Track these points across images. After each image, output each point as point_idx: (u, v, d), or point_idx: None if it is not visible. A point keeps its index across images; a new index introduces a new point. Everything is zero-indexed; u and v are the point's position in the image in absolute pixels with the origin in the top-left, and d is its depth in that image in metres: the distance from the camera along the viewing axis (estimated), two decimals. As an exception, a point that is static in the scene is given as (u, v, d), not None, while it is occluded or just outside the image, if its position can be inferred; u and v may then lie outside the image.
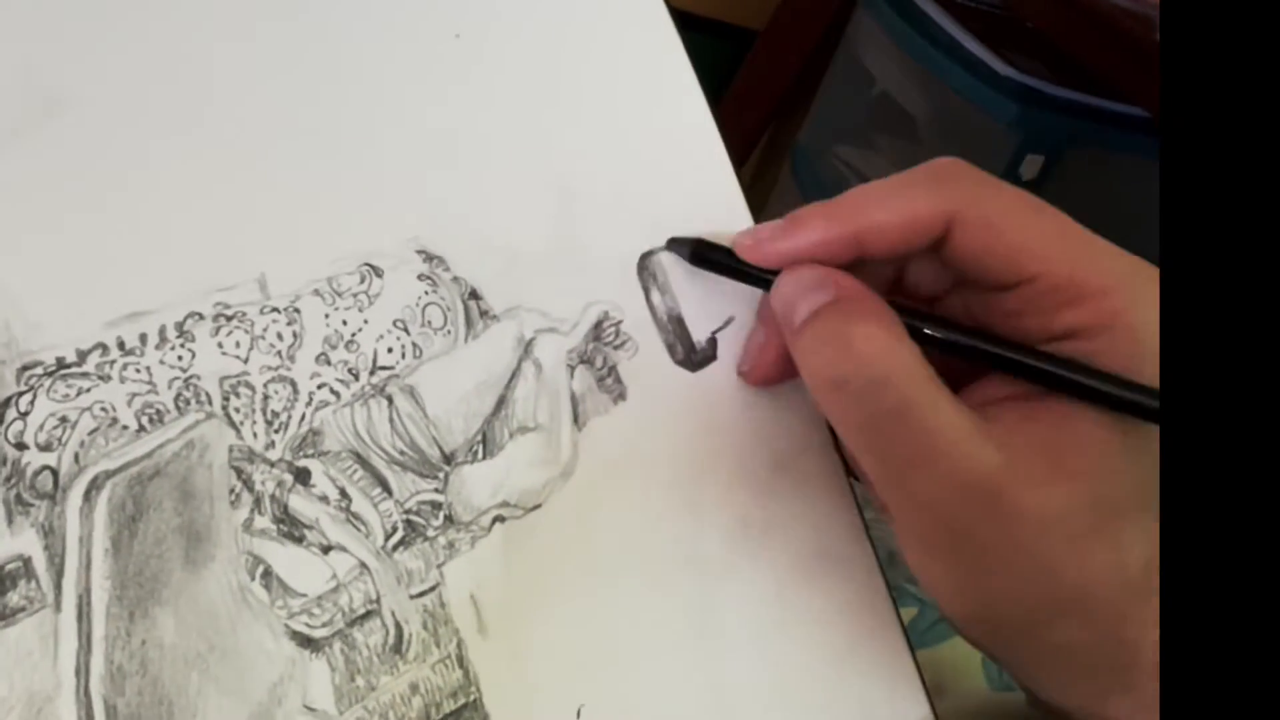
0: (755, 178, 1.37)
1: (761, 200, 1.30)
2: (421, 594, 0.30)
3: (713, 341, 0.35)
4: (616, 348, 0.34)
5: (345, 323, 0.31)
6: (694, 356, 0.35)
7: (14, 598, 0.26)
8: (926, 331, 0.30)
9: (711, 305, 0.35)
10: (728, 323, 0.35)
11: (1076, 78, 0.96)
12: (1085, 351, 0.29)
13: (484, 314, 0.32)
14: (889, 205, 0.31)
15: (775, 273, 0.32)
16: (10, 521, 0.26)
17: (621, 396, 0.33)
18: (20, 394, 0.27)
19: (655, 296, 0.35)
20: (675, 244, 0.35)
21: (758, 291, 0.33)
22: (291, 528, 0.29)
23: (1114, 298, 0.29)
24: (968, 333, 0.31)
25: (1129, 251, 0.31)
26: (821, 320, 0.30)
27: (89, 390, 0.28)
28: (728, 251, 0.33)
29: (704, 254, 0.34)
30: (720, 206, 0.37)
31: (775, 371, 0.34)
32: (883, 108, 1.11)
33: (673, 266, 0.35)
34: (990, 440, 0.28)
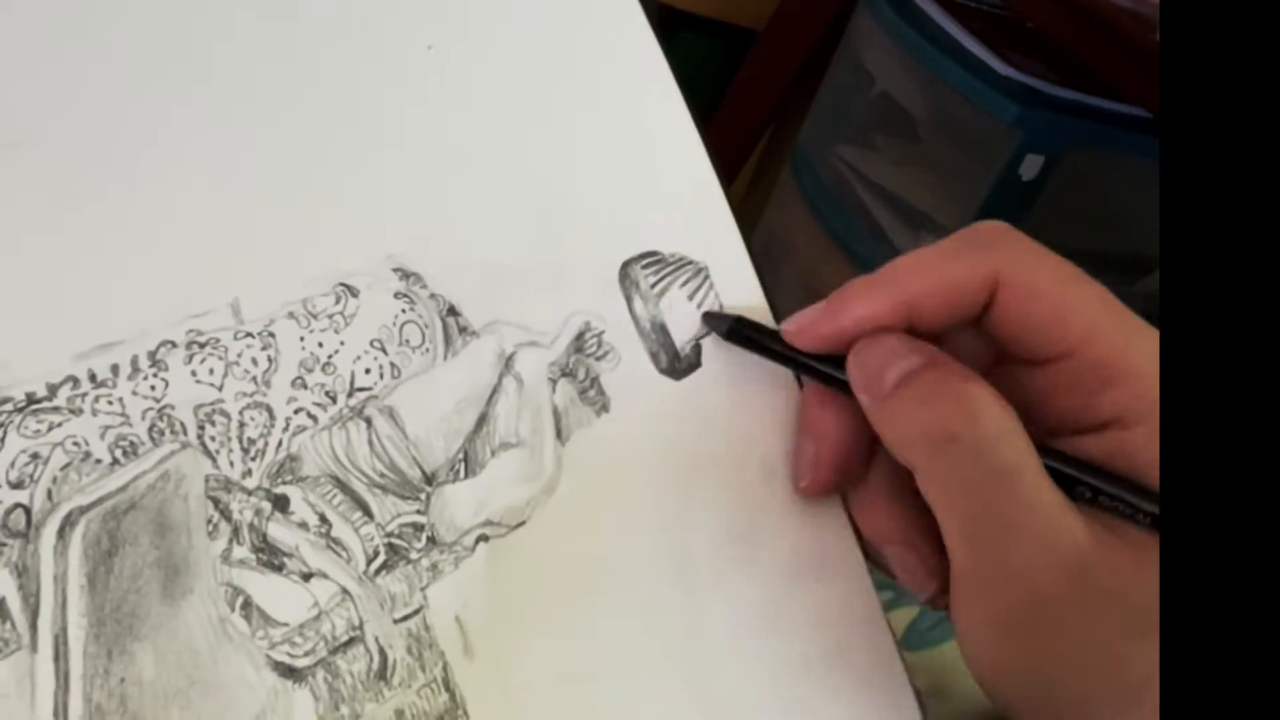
0: (755, 178, 1.36)
1: (761, 200, 1.29)
2: (405, 618, 0.29)
3: (697, 348, 0.34)
4: (599, 359, 0.33)
5: (321, 345, 0.30)
6: (678, 364, 0.34)
7: (-11, 640, 0.25)
8: None
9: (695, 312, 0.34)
10: (710, 331, 0.34)
11: (1076, 78, 0.95)
12: (1125, 444, 0.29)
13: (463, 330, 0.32)
14: (934, 273, 0.31)
15: (822, 359, 0.32)
16: (-16, 562, 0.26)
17: (605, 408, 0.33)
18: (-10, 432, 0.27)
19: (638, 305, 0.34)
20: (711, 319, 0.34)
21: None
22: (271, 556, 0.28)
23: (1153, 381, 0.29)
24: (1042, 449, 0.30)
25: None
26: (923, 380, 0.29)
27: (60, 425, 0.27)
28: (772, 334, 0.33)
29: (743, 333, 0.33)
30: (702, 211, 0.36)
31: (836, 480, 0.33)
32: (883, 108, 1.11)
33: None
34: (1084, 522, 0.28)
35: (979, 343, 0.32)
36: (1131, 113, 0.95)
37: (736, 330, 0.33)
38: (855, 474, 0.33)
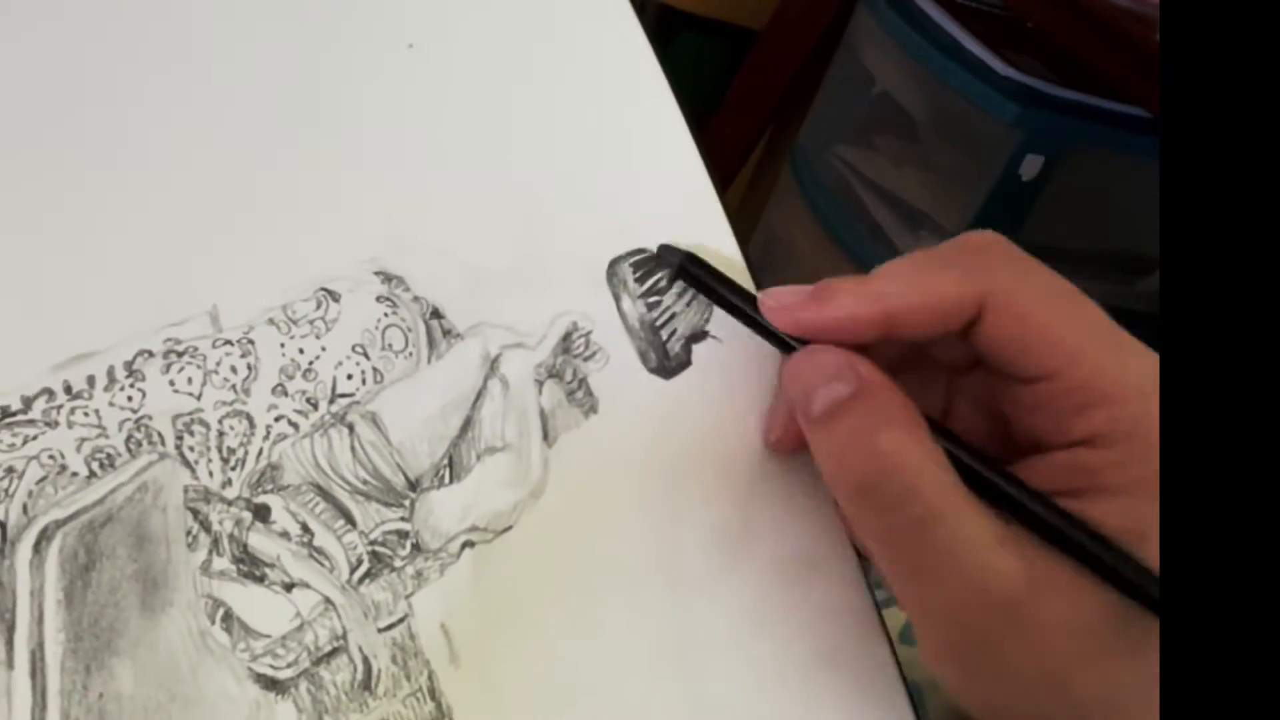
0: (755, 178, 1.36)
1: (761, 200, 1.29)
2: (390, 627, 0.29)
3: (687, 346, 0.34)
4: (586, 359, 0.33)
5: (302, 351, 0.30)
6: (668, 363, 0.34)
7: (-35, 657, 0.25)
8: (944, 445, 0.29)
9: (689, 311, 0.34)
10: (703, 334, 0.34)
11: (1076, 78, 0.95)
12: (1102, 461, 0.28)
13: (447, 333, 0.32)
14: (922, 286, 0.30)
15: (793, 339, 0.31)
16: (-42, 579, 0.25)
17: (593, 409, 0.32)
18: (-37, 446, 0.26)
19: (626, 303, 0.34)
20: (665, 251, 0.33)
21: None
22: (252, 567, 0.28)
23: (1135, 404, 0.28)
24: (983, 462, 0.29)
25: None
26: (843, 420, 0.29)
27: (36, 438, 0.27)
28: (723, 279, 0.32)
29: (692, 272, 0.33)
30: (693, 208, 0.36)
31: (798, 443, 0.33)
32: (883, 108, 1.10)
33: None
34: (1012, 549, 0.27)
35: (959, 343, 0.31)
36: (1131, 113, 0.95)
37: (685, 269, 0.33)
38: None
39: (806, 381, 0.30)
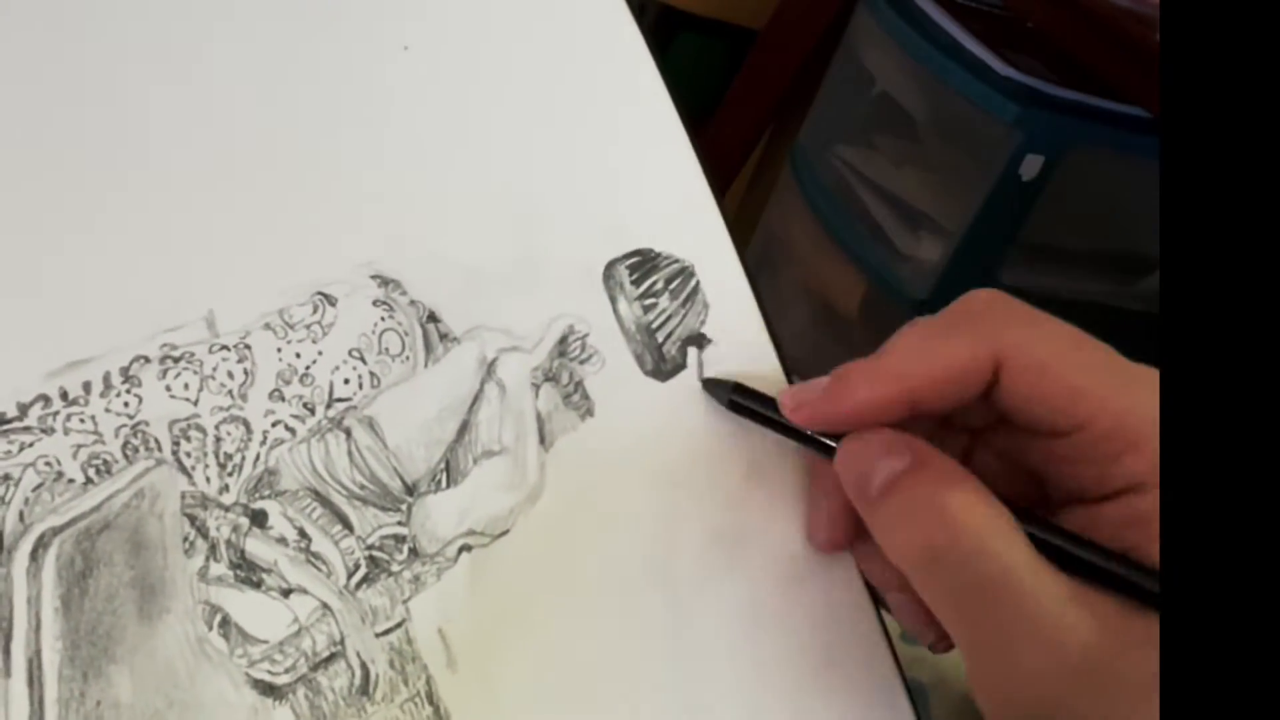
0: (755, 178, 1.35)
1: (761, 200, 1.28)
2: (387, 631, 0.29)
3: (683, 349, 0.34)
4: (583, 362, 0.33)
5: (299, 356, 0.30)
6: (664, 366, 0.34)
7: (-39, 666, 0.25)
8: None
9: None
10: (701, 337, 0.34)
11: (1077, 78, 0.95)
12: (1140, 511, 0.28)
13: (444, 337, 0.32)
14: (935, 358, 0.30)
15: (827, 436, 0.31)
16: (-45, 587, 0.25)
17: (589, 412, 0.32)
18: (-40, 453, 0.26)
19: (622, 306, 0.34)
20: (712, 386, 0.33)
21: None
22: (249, 573, 0.28)
23: None
24: (1044, 525, 0.29)
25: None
26: (906, 490, 0.29)
27: (32, 445, 0.27)
28: (772, 402, 0.32)
29: (743, 403, 0.33)
30: (689, 210, 0.35)
31: (853, 535, 0.33)
32: (883, 108, 1.10)
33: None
34: (1085, 606, 0.27)
35: (984, 406, 0.31)
36: (1131, 113, 0.95)
37: (735, 401, 0.33)
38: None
39: (861, 464, 0.30)
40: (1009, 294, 0.31)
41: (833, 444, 0.31)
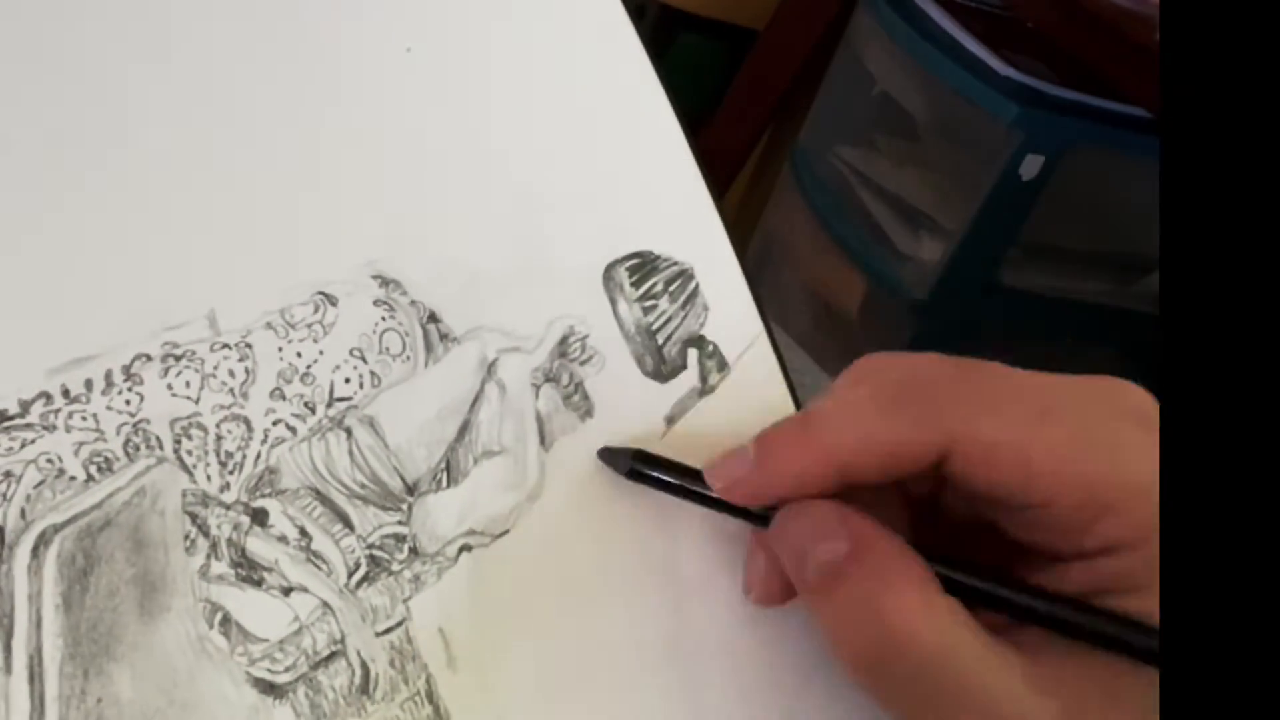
0: (755, 178, 1.36)
1: (761, 201, 1.29)
2: (387, 631, 0.29)
3: (682, 351, 0.34)
4: (583, 363, 0.33)
5: (300, 355, 0.30)
6: (664, 368, 0.34)
7: (-38, 663, 0.25)
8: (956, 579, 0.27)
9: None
10: (701, 339, 0.34)
11: (1077, 78, 0.96)
12: (1124, 569, 0.27)
13: (444, 337, 0.32)
14: (871, 436, 0.28)
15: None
16: (-44, 584, 0.25)
17: (589, 413, 0.33)
18: (-38, 450, 0.26)
19: (622, 307, 0.34)
20: (606, 455, 0.32)
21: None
22: (250, 571, 0.28)
23: (1139, 510, 0.26)
24: (999, 582, 0.28)
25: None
26: (843, 588, 0.27)
27: (33, 442, 0.27)
28: (677, 468, 0.30)
29: (643, 471, 0.31)
30: (688, 212, 0.36)
31: (787, 595, 0.31)
32: (883, 108, 1.11)
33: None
34: (1045, 694, 0.26)
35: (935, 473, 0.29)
36: (1131, 113, 0.95)
37: (636, 470, 0.31)
38: None
39: (796, 543, 0.28)
40: (965, 361, 0.29)
41: (765, 514, 0.29)
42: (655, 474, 0.31)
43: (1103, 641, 0.27)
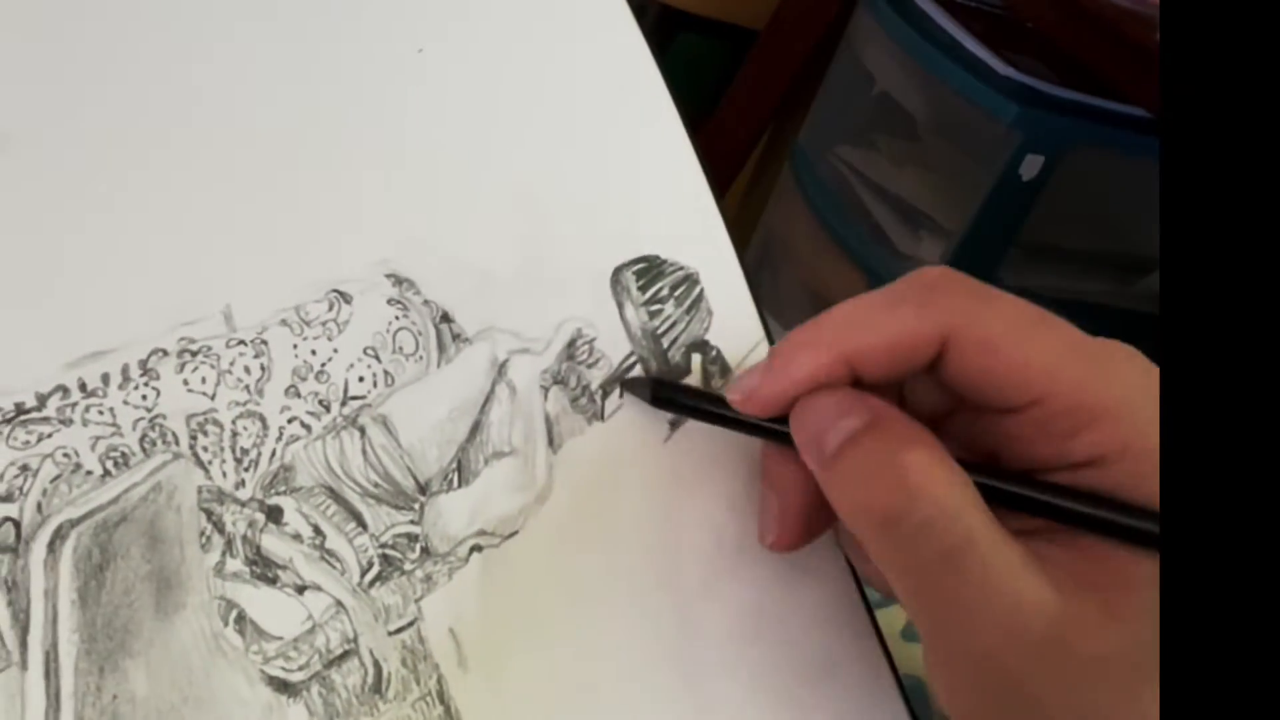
0: (755, 178, 1.36)
1: (761, 200, 1.29)
2: (399, 630, 0.29)
3: (687, 355, 0.34)
4: (590, 366, 0.33)
5: (314, 353, 0.30)
6: (669, 371, 0.34)
7: (-23, 658, 0.25)
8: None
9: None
10: (705, 344, 0.34)
11: (1077, 78, 0.96)
12: (1106, 481, 0.27)
13: (456, 337, 0.32)
14: (876, 327, 0.29)
15: (774, 421, 0.30)
16: (-28, 578, 0.26)
17: (596, 416, 0.33)
18: (-21, 444, 0.26)
19: (629, 311, 0.34)
20: (630, 385, 0.33)
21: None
22: (264, 569, 0.28)
23: (1127, 421, 0.27)
24: (996, 474, 0.29)
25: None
26: (862, 449, 0.28)
27: (50, 435, 0.27)
28: (700, 394, 0.32)
29: (669, 396, 0.32)
30: (693, 216, 0.36)
31: (803, 535, 0.31)
32: (883, 108, 1.11)
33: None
34: (1047, 581, 0.26)
35: (939, 387, 0.30)
36: (1131, 113, 0.95)
37: (658, 396, 0.32)
38: (823, 525, 0.32)
39: (814, 426, 0.29)
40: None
41: (783, 431, 0.30)
42: (678, 399, 0.32)
43: (1102, 526, 0.27)
